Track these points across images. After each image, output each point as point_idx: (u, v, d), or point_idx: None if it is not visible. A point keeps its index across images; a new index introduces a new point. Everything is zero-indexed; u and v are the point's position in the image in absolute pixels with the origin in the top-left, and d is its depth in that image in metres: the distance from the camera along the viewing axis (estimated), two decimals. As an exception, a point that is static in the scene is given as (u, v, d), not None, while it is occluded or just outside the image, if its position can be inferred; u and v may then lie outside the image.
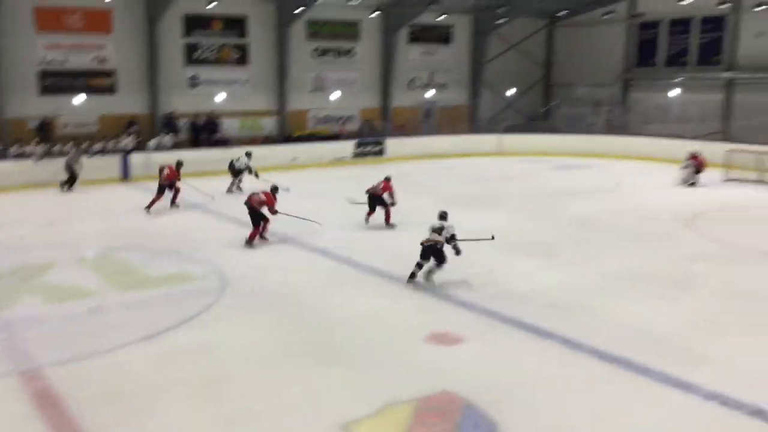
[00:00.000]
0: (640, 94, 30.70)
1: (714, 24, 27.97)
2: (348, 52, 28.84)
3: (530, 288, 10.26)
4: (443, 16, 29.52)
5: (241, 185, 18.61)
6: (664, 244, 13.05)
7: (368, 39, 29.02)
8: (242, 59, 26.16)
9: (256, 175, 18.09)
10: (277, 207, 12.89)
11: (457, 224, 10.54)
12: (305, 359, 7.76)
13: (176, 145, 23.18)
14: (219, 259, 11.74)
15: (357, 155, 25.19)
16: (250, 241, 12.73)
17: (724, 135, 26.60)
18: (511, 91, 32.73)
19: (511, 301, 9.65)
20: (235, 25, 25.81)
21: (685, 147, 21.96)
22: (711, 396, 6.75)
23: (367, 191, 14.43)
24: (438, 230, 10.19)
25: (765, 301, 9.67)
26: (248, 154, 19.00)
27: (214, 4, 24.13)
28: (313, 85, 28.22)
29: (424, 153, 26.14)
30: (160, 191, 15.92)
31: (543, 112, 31.51)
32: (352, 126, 28.96)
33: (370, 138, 26.35)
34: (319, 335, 8.52)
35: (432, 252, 10.18)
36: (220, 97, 25.60)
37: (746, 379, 7.11)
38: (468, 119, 31.22)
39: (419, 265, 10.26)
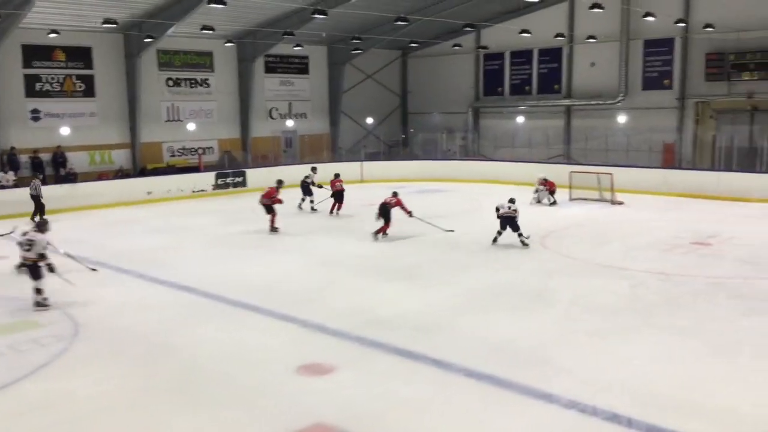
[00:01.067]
0: (490, 120, 32.41)
1: (551, 55, 30.15)
2: (203, 83, 28.21)
3: (397, 312, 10.35)
4: (299, 48, 29.65)
5: (313, 204, 19.97)
6: (520, 261, 13.68)
7: (224, 69, 28.58)
8: (89, 91, 24.88)
9: (320, 186, 20.20)
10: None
11: (319, 251, 10.46)
12: (166, 403, 7.32)
13: (19, 182, 21.51)
14: (71, 301, 10.90)
15: (218, 187, 24.55)
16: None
17: (566, 157, 28.66)
18: (370, 120, 33.41)
19: (380, 326, 9.68)
20: (79, 55, 24.52)
21: (533, 170, 23.41)
22: (570, 405, 7.08)
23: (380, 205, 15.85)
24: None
25: (613, 312, 10.32)
26: (314, 169, 20.56)
27: (54, 35, 22.72)
28: (168, 116, 27.31)
29: (287, 182, 25.86)
30: (268, 211, 17.14)
31: (402, 139, 32.39)
32: (212, 157, 28.27)
33: (230, 169, 25.81)
34: (181, 375, 8.08)
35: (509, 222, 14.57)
36: (65, 130, 24.12)
37: (601, 387, 7.53)
38: (329, 147, 31.44)
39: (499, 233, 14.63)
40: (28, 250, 10.58)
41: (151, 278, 12.58)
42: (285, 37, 26.23)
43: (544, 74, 30.54)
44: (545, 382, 7.61)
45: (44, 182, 22.13)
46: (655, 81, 27.29)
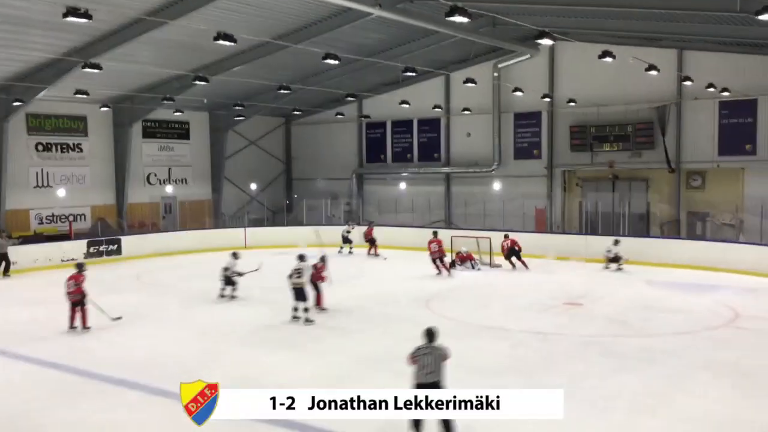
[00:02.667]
0: (374, 186, 33.09)
1: (431, 125, 31.46)
2: (76, 147, 27.07)
3: (282, 382, 10.09)
4: (179, 113, 29.22)
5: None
6: (405, 325, 13.79)
7: (98, 133, 27.63)
8: (-50, 155, 23.20)
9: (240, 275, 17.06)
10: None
11: (202, 320, 10.09)
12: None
13: None
14: None
15: (90, 255, 23.29)
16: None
17: (447, 222, 29.61)
18: (254, 186, 33.17)
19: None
20: (-62, 117, 22.92)
21: (416, 234, 24.05)
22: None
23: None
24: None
25: (496, 374, 10.56)
26: (235, 255, 17.11)
27: None
28: (37, 181, 25.88)
29: (166, 250, 25.06)
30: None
31: (286, 204, 32.32)
32: (84, 225, 26.90)
33: (104, 236, 24.62)
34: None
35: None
36: None
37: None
38: (211, 214, 30.81)
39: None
40: None
41: (14, 355, 11.61)
42: (164, 102, 25.82)
43: (424, 143, 31.72)
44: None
45: None
46: (525, 151, 29.00)
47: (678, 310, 15.04)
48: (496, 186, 29.41)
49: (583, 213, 26.17)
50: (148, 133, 29.54)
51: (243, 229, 27.58)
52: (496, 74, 27.99)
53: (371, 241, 24.88)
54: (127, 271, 21.63)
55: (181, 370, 10.60)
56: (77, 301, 13.28)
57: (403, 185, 32.15)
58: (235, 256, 16.88)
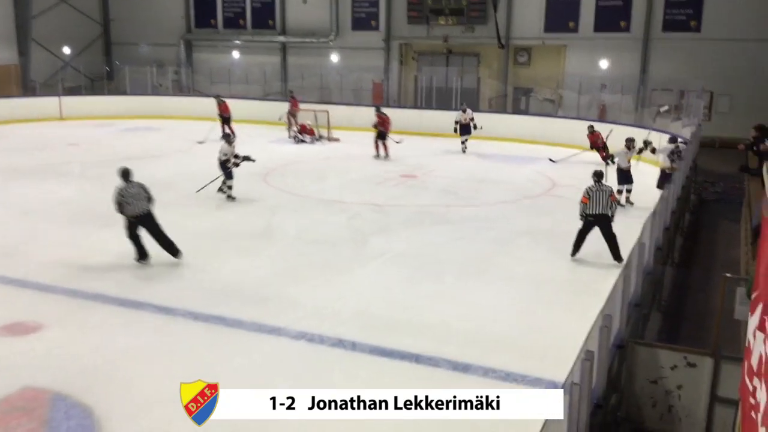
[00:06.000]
0: (204, 54, 31.18)
1: (264, -10, 29.78)
2: None
3: (112, 262, 9.64)
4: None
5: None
6: (243, 200, 13.57)
7: None
8: None
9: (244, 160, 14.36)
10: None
11: (17, 198, 9.27)
12: None
13: None
14: None
15: None
16: None
17: (284, 95, 28.83)
18: (67, 50, 30.02)
19: (92, 276, 8.97)
20: None
21: (254, 107, 23.30)
22: (299, 335, 7.30)
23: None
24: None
25: (335, 244, 10.81)
26: (227, 137, 15.06)
27: None
28: None
29: None
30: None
31: (106, 72, 29.70)
32: None
33: None
34: None
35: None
36: None
37: (327, 315, 7.88)
38: (18, 81, 27.67)
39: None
40: None
41: None
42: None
43: (258, 8, 30.05)
44: (274, 317, 7.74)
45: None
46: (363, 21, 28.48)
47: (503, 181, 16.05)
48: (334, 58, 28.87)
49: (418, 87, 26.57)
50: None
51: (57, 98, 25.16)
52: (333, -63, 26.77)
53: (293, 115, 22.48)
54: None
55: (1, 253, 9.83)
56: None
57: (236, 54, 30.61)
58: (228, 139, 14.09)
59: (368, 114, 23.82)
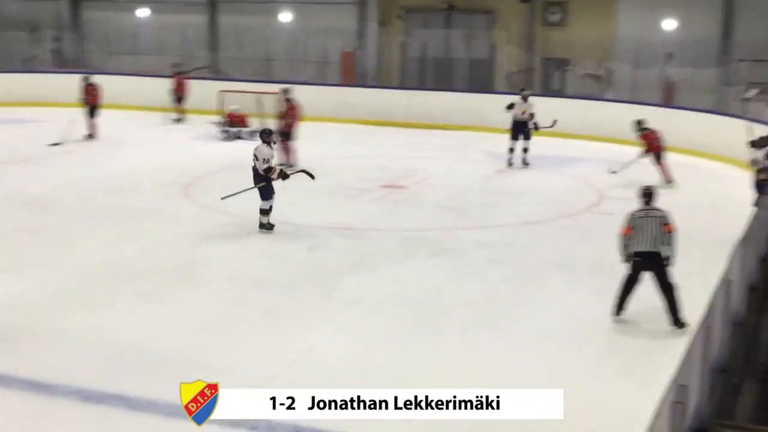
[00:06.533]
0: (97, 13, 31.10)
1: None
2: None
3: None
4: None
5: None
6: (153, 222, 13.48)
7: None
8: None
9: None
10: None
11: None
12: None
13: None
14: None
15: None
16: None
17: (214, 70, 28.86)
18: None
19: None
20: None
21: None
22: (235, 424, 7.21)
23: None
24: None
25: (290, 285, 10.74)
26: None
27: None
28: None
29: None
30: None
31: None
32: None
33: None
34: None
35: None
36: None
37: (279, 384, 7.80)
38: None
39: None
40: None
41: None
42: None
43: (175, -52, 30.20)
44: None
45: None
46: (327, -35, 28.66)
47: (527, 192, 16.15)
48: (285, 17, 28.95)
49: (406, 59, 26.69)
50: None
51: None
52: None
53: (180, 99, 23.91)
54: None
55: None
56: None
57: (143, 12, 30.56)
58: (267, 138, 13.41)
59: (335, 96, 23.94)
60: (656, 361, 8.02)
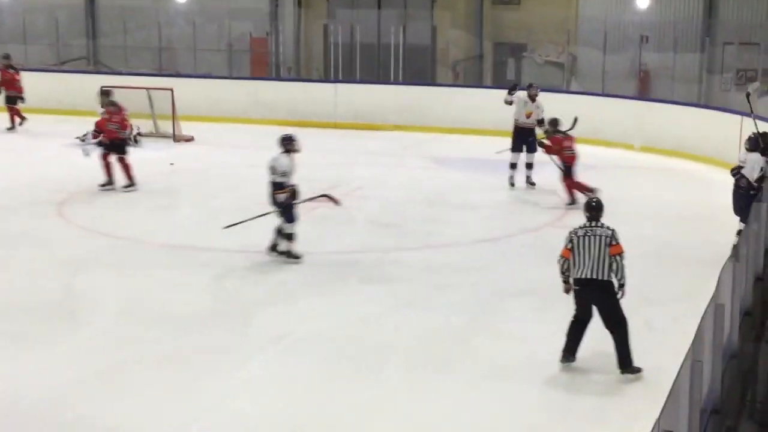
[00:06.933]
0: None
1: None
2: None
3: None
4: None
5: None
6: (23, 248, 13.32)
7: None
8: None
9: None
10: None
11: None
12: None
13: None
14: None
15: None
16: None
17: (92, 62, 28.62)
18: None
19: None
20: None
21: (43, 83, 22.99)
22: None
23: None
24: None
25: (191, 323, 10.64)
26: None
27: None
28: None
29: None
30: None
31: None
32: None
33: None
34: None
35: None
36: None
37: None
38: None
39: None
40: None
41: None
42: None
43: None
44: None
45: None
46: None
47: (481, 204, 16.30)
48: (181, -3, 28.91)
49: (329, 45, 26.73)
50: None
51: None
52: None
53: (13, 99, 23.24)
54: None
55: None
56: None
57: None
58: (290, 145, 13.34)
59: (244, 92, 23.90)
60: (635, 404, 8.13)
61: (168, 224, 14.96)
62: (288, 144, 13.04)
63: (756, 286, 8.87)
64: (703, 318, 6.56)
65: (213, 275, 12.30)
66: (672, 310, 10.11)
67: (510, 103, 17.80)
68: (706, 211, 14.74)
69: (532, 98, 17.77)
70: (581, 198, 14.79)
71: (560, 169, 16.12)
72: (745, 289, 8.34)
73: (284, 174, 12.71)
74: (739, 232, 12.58)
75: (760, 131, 13.85)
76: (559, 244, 9.03)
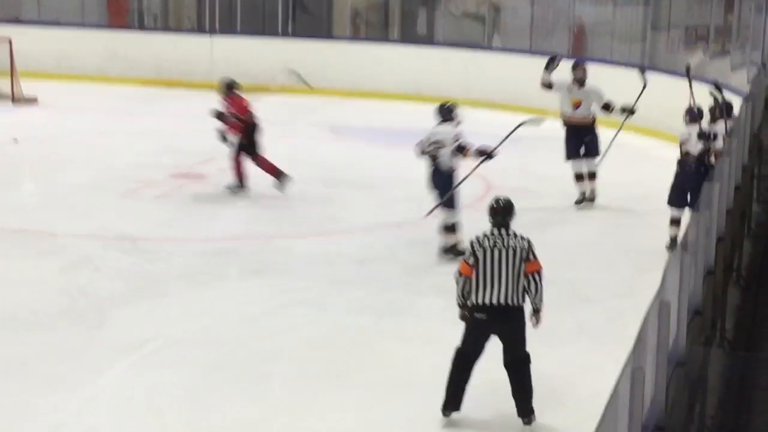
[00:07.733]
0: None
1: None
2: None
3: None
4: None
5: None
6: None
7: None
8: None
9: None
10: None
11: None
12: None
13: None
14: None
15: None
16: None
17: None
18: None
19: None
20: None
21: None
22: None
23: None
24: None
25: (42, 323, 10.57)
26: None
27: None
28: None
29: None
30: None
31: None
32: None
33: None
34: None
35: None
36: None
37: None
38: None
39: None
40: None
41: None
42: None
43: None
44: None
45: None
46: None
47: (385, 183, 16.44)
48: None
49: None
50: None
51: None
52: None
53: None
54: None
55: None
56: None
57: None
58: (447, 113, 13.34)
59: (99, 46, 23.70)
60: (566, 420, 8.27)
61: (2, 205, 14.74)
62: (448, 113, 13.05)
63: (707, 281, 9.03)
64: (645, 318, 6.69)
65: (60, 266, 12.26)
66: (609, 308, 10.28)
67: (549, 86, 15.71)
68: (651, 193, 14.86)
69: (580, 82, 15.67)
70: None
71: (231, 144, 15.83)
72: (694, 284, 8.49)
73: (443, 143, 12.67)
74: (674, 222, 12.91)
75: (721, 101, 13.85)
76: (477, 230, 8.80)
